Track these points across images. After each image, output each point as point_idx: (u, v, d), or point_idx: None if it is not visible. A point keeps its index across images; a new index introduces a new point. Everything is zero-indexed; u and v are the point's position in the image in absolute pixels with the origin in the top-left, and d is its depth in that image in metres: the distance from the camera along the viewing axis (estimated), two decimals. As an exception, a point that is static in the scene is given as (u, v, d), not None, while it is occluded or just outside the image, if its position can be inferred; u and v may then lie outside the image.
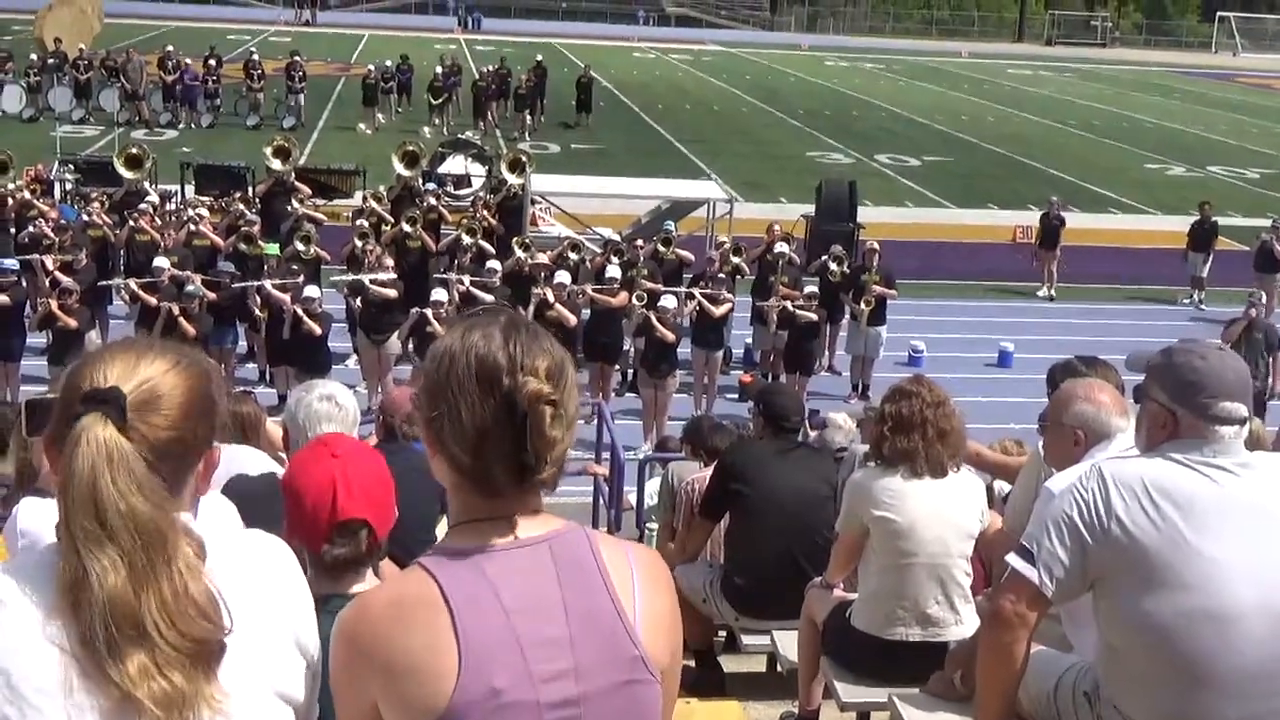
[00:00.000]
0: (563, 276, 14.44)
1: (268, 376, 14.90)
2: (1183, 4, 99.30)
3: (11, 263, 14.18)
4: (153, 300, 13.50)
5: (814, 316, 15.19)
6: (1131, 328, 18.50)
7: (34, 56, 33.33)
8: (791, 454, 6.03)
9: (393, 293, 14.29)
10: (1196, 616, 2.95)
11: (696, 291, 14.97)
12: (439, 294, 13.94)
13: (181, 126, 32.26)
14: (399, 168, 19.13)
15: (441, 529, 4.72)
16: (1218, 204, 23.42)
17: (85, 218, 16.50)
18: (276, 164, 18.62)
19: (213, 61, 34.00)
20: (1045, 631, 3.36)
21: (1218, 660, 2.95)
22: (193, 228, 16.03)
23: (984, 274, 22.16)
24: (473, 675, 1.82)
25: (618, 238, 17.43)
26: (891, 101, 47.65)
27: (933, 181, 31.45)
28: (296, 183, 18.66)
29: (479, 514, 1.94)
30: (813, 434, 8.57)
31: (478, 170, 23.62)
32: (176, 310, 13.17)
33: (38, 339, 14.20)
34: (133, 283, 14.08)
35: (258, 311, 14.31)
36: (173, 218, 17.64)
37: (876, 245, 16.58)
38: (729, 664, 6.41)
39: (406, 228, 16.32)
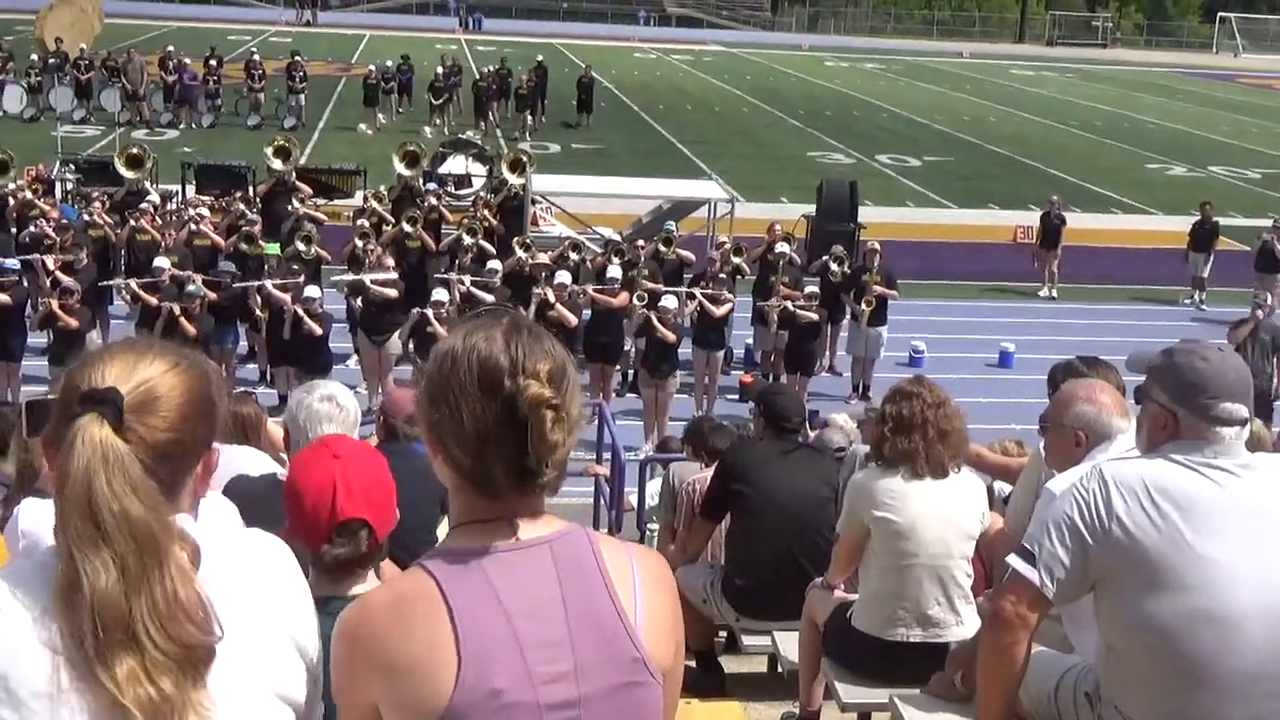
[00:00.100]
0: (563, 277, 14.44)
1: (268, 377, 14.90)
2: (1184, 5, 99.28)
3: (13, 262, 14.18)
4: (153, 300, 13.49)
5: (815, 317, 15.18)
6: (1132, 328, 18.49)
7: (35, 57, 33.34)
8: (792, 455, 6.03)
9: (393, 293, 14.28)
10: (1197, 618, 2.94)
11: (697, 292, 14.96)
12: (440, 294, 13.94)
13: (182, 126, 32.27)
14: (400, 168, 19.13)
15: (442, 530, 4.72)
16: (1219, 204, 23.41)
17: (86, 217, 16.50)
18: (277, 164, 18.63)
19: (213, 62, 34.01)
20: (1046, 632, 3.36)
21: (1219, 661, 2.95)
22: (193, 227, 16.03)
23: (985, 274, 22.15)
24: (473, 676, 1.82)
25: (618, 238, 17.43)
26: (892, 102, 47.65)
27: (934, 182, 31.45)
28: (297, 183, 18.68)
29: (480, 515, 1.94)
30: (812, 434, 8.56)
31: (478, 170, 23.62)
32: (177, 310, 13.17)
33: (39, 339, 14.20)
34: (133, 283, 14.08)
35: (258, 312, 14.31)
36: (173, 217, 17.65)
37: (877, 245, 16.58)
38: (730, 665, 6.41)
39: (406, 228, 16.32)
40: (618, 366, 15.13)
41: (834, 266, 16.19)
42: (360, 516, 2.86)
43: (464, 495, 1.95)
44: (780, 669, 5.91)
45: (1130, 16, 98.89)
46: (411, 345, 14.04)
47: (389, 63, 36.15)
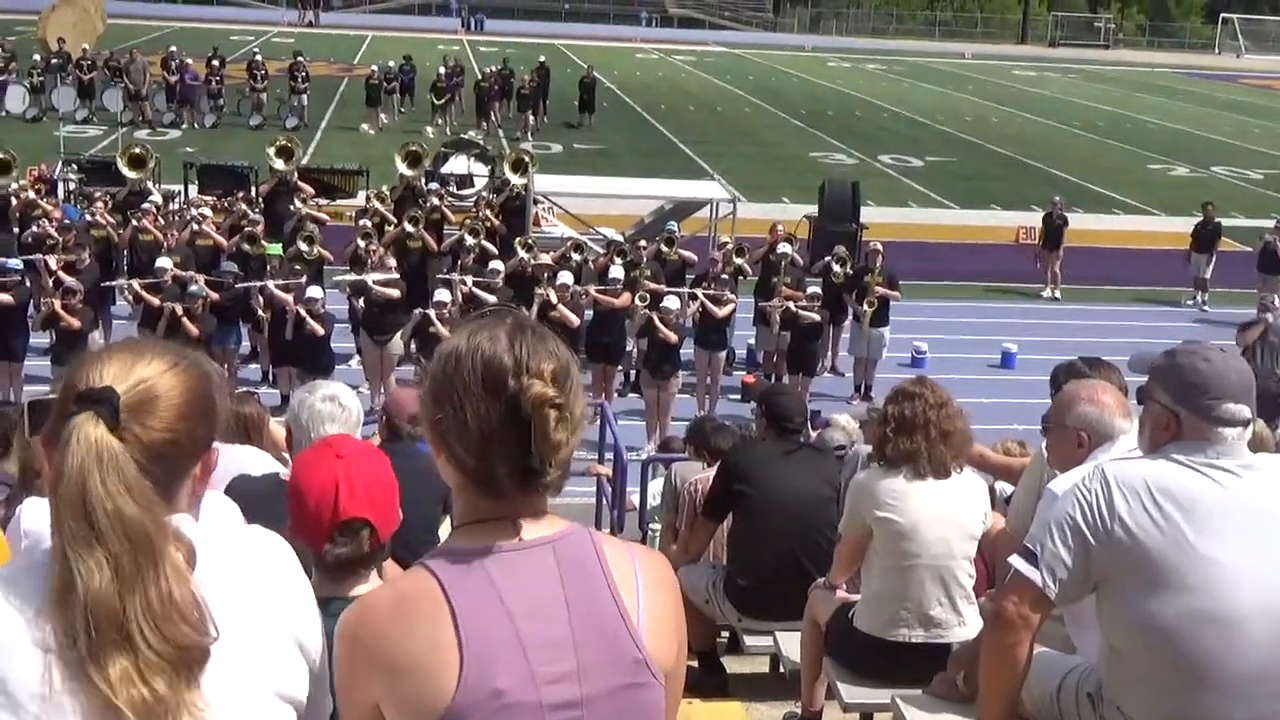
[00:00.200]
0: (566, 277, 14.44)
1: (270, 377, 14.90)
2: (1186, 6, 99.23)
3: (15, 262, 14.20)
4: (156, 301, 13.49)
5: (817, 317, 15.18)
6: (1135, 329, 18.50)
7: (37, 57, 33.35)
8: (794, 455, 6.03)
9: (395, 293, 14.29)
10: (1200, 618, 2.94)
11: (699, 292, 14.96)
12: (442, 294, 13.94)
13: (184, 127, 32.29)
14: (402, 168, 19.14)
15: (445, 530, 4.72)
16: (1221, 205, 23.39)
17: (89, 218, 16.50)
18: (279, 164, 18.64)
19: (216, 62, 34.02)
20: (1048, 633, 3.36)
21: (1221, 662, 2.95)
22: (196, 228, 16.03)
23: (987, 275, 22.15)
24: (475, 676, 1.82)
25: (621, 238, 17.43)
26: (895, 102, 47.64)
27: (936, 182, 31.45)
28: (299, 183, 18.68)
29: (483, 515, 1.94)
30: (814, 435, 8.56)
31: (480, 170, 23.61)
32: (180, 310, 13.17)
33: (41, 339, 14.21)
34: (136, 283, 14.07)
35: (261, 312, 14.31)
36: (176, 218, 17.65)
37: (879, 246, 16.57)
38: (732, 665, 6.41)
39: (408, 228, 16.33)
40: (620, 367, 15.13)
41: (836, 267, 16.19)
42: (362, 516, 2.86)
43: (467, 495, 1.95)
44: (782, 669, 5.91)
45: (1132, 17, 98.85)
46: (414, 345, 14.05)
47: (391, 63, 36.16)
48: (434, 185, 19.83)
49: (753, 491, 5.86)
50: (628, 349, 15.16)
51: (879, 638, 4.82)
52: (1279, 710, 3.00)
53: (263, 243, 15.83)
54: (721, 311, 14.73)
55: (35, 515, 3.48)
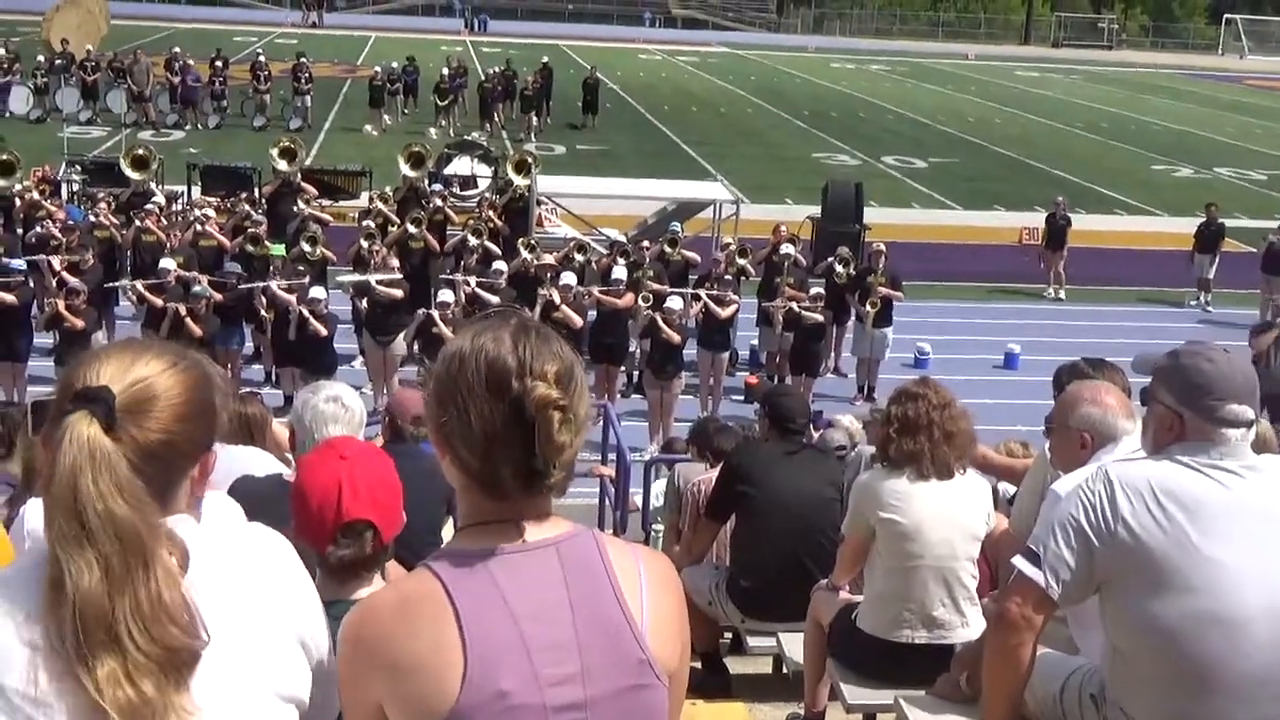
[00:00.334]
0: (569, 278, 14.44)
1: (273, 378, 14.91)
2: (1189, 6, 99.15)
3: (19, 263, 14.21)
4: (159, 301, 13.49)
5: (820, 318, 15.18)
6: (1138, 329, 18.49)
7: (41, 58, 33.39)
8: (797, 456, 6.03)
9: (398, 293, 14.29)
10: (1203, 620, 2.94)
11: (703, 293, 14.96)
12: (445, 295, 13.95)
13: (188, 128, 32.31)
14: (405, 169, 19.15)
15: (448, 532, 4.72)
16: (1224, 205, 23.35)
17: (92, 218, 16.51)
18: (282, 165, 18.65)
19: (219, 63, 34.06)
20: (1051, 634, 3.36)
21: (1225, 664, 2.95)
22: (199, 228, 16.03)
23: (990, 276, 22.13)
24: (479, 677, 1.82)
25: (624, 239, 17.43)
26: (898, 103, 47.63)
27: (939, 183, 31.44)
28: (302, 184, 18.68)
29: (487, 517, 1.94)
30: (815, 434, 8.56)
31: (484, 171, 23.63)
32: (183, 311, 13.18)
33: (44, 339, 14.22)
34: (139, 284, 14.07)
35: (264, 312, 14.32)
36: (179, 218, 17.65)
37: (882, 247, 16.55)
38: (735, 666, 6.41)
39: (410, 228, 16.33)
40: (623, 368, 15.13)
41: (839, 268, 16.18)
42: (365, 518, 2.86)
43: (471, 496, 1.95)
44: (785, 670, 5.91)
45: (1136, 18, 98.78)
46: (417, 346, 14.05)
47: (394, 64, 36.22)
48: (437, 186, 19.84)
49: (755, 492, 5.86)
50: (631, 350, 15.16)
51: (882, 638, 4.82)
52: (1283, 712, 3.00)
53: (266, 243, 15.82)
54: (724, 312, 14.72)
55: (38, 516, 3.48)
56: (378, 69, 35.47)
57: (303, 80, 33.23)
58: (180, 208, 19.07)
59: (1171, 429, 3.10)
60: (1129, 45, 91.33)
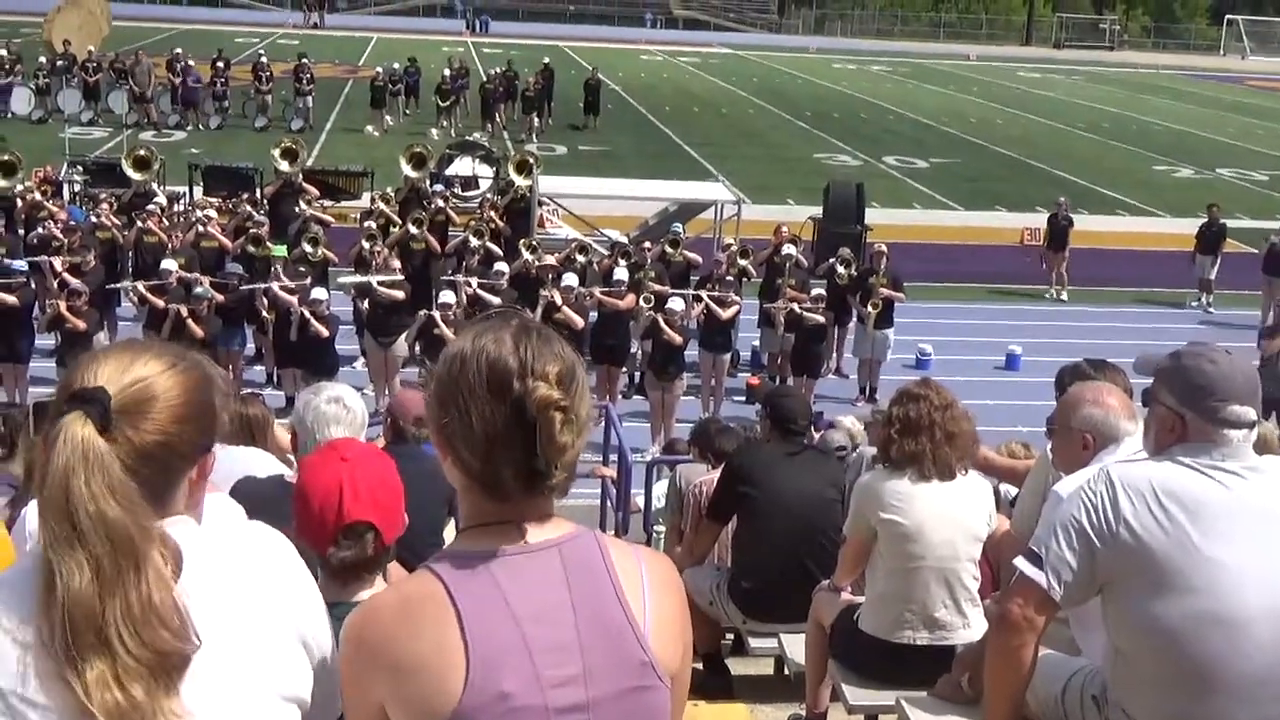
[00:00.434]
0: (570, 279, 14.44)
1: (275, 379, 14.91)
2: (1191, 7, 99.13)
3: (20, 264, 14.21)
4: (160, 302, 13.50)
5: (821, 319, 15.18)
6: (1139, 330, 18.49)
7: (43, 59, 33.42)
8: (798, 457, 6.03)
9: (400, 294, 14.29)
10: (1205, 620, 2.94)
11: (704, 294, 14.96)
12: (447, 296, 13.95)
13: (189, 128, 32.33)
14: (406, 169, 19.16)
15: (450, 533, 4.72)
16: (1226, 206, 23.33)
17: (94, 219, 16.52)
18: (284, 166, 18.65)
19: (221, 64, 34.07)
20: (1053, 635, 3.36)
21: (1226, 665, 2.95)
22: (200, 229, 16.03)
23: (992, 276, 22.13)
24: (481, 679, 1.82)
25: (625, 240, 17.43)
26: (899, 104, 47.63)
27: (940, 184, 31.43)
28: (304, 184, 18.67)
29: (488, 518, 1.94)
30: (816, 435, 8.56)
31: (485, 172, 23.63)
32: (184, 312, 13.18)
33: (46, 340, 14.22)
34: (141, 284, 14.08)
35: (265, 313, 14.32)
36: (181, 219, 17.66)
37: (884, 247, 16.55)
38: (736, 667, 6.41)
39: (411, 229, 16.34)
40: (624, 368, 15.13)
41: (840, 269, 16.18)
42: (366, 520, 2.86)
43: (473, 497, 1.95)
44: (787, 671, 5.91)
45: (1137, 19, 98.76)
46: (418, 347, 14.05)
47: (396, 65, 36.23)
48: (439, 187, 19.85)
49: (757, 493, 5.86)
50: (632, 351, 15.16)
51: (884, 639, 4.81)
52: (1285, 713, 2.99)
53: (267, 244, 15.83)
54: (726, 313, 14.72)
55: (40, 517, 3.48)
56: (379, 70, 35.45)
57: (304, 81, 33.24)
58: (182, 209, 19.08)
59: (1173, 430, 3.10)
60: (1130, 46, 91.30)
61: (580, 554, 1.94)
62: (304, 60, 33.91)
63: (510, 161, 20.66)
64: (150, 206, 16.89)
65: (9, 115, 31.70)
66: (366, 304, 14.49)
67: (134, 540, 1.68)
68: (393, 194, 18.84)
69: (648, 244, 16.99)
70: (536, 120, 35.08)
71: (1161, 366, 3.17)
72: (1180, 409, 3.08)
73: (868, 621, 4.88)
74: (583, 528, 1.98)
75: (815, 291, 15.64)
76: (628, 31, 76.39)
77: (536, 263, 15.29)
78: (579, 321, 13.89)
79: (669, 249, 16.45)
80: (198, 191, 21.05)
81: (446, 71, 34.82)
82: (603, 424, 10.94)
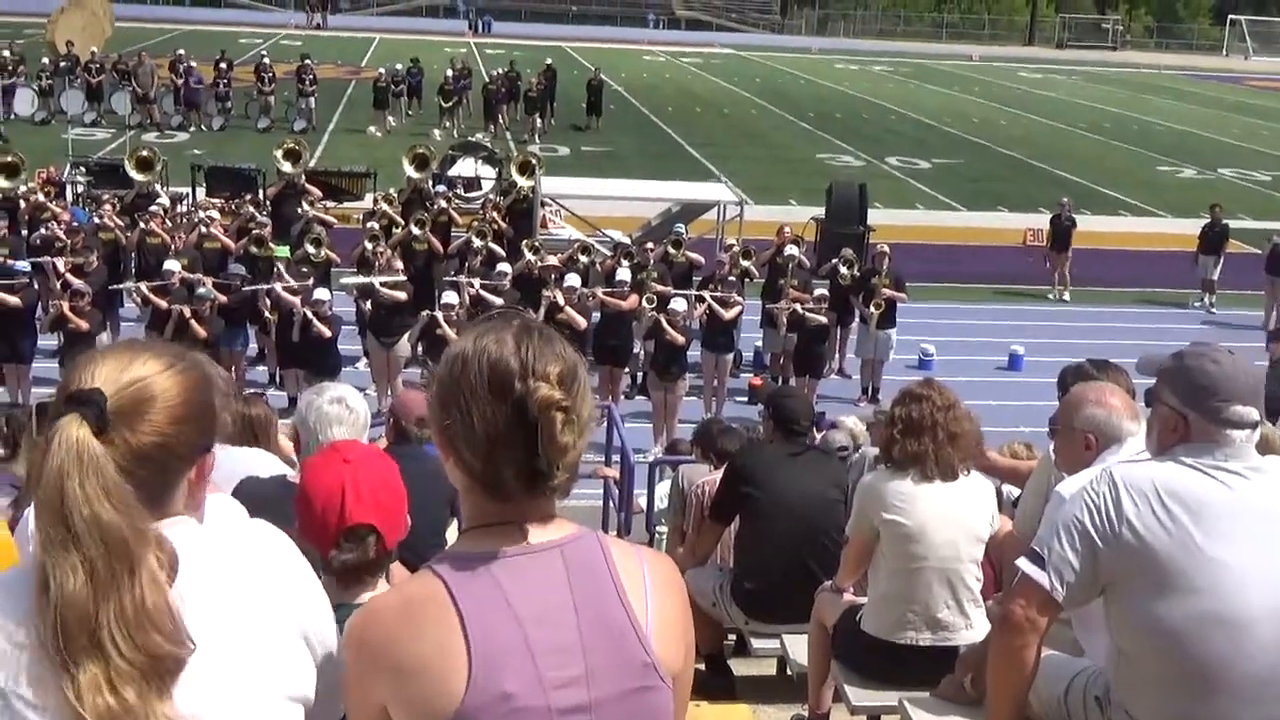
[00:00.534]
0: (573, 279, 14.45)
1: (277, 379, 14.91)
2: (1194, 7, 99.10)
3: (23, 265, 14.22)
4: (163, 303, 13.51)
5: (824, 319, 15.17)
6: (1142, 331, 18.48)
7: (46, 60, 33.45)
8: (801, 457, 6.03)
9: (402, 295, 14.29)
10: (1208, 621, 2.94)
11: (706, 294, 14.96)
12: (449, 297, 13.95)
13: (192, 129, 32.34)
14: (409, 170, 19.17)
15: (452, 533, 4.73)
16: (1229, 207, 23.32)
17: (97, 220, 16.53)
18: (287, 166, 18.67)
19: (223, 65, 34.09)
20: (1056, 635, 3.36)
21: (1229, 665, 2.94)
22: (203, 230, 16.03)
23: (994, 277, 22.12)
24: (483, 680, 1.82)
25: (628, 240, 17.43)
26: (901, 104, 47.62)
27: (943, 184, 31.42)
28: (307, 185, 18.69)
29: (490, 519, 1.94)
30: (818, 436, 8.56)
31: (488, 173, 23.64)
32: (187, 313, 13.19)
33: (49, 341, 14.22)
34: (144, 285, 14.09)
35: (268, 314, 14.32)
36: (183, 220, 17.66)
37: (886, 248, 16.55)
38: (739, 668, 6.41)
39: (414, 230, 16.34)
40: (627, 369, 15.13)
41: (843, 269, 16.18)
42: (368, 522, 2.86)
43: (475, 498, 1.95)
44: (789, 672, 5.90)
45: (1140, 19, 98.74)
46: (421, 348, 14.05)
47: (399, 66, 36.21)
48: (441, 188, 19.86)
49: (759, 494, 5.85)
50: (635, 351, 15.16)
51: (886, 640, 4.81)
52: (1288, 713, 2.99)
53: (270, 245, 15.84)
54: (728, 314, 14.72)
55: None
56: (382, 70, 35.44)
57: (307, 82, 33.26)
58: (185, 209, 19.10)
59: (1176, 430, 3.10)
60: (1133, 46, 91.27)
61: (582, 555, 1.93)
62: (307, 61, 33.93)
63: (513, 162, 20.67)
64: (153, 207, 16.90)
65: (12, 116, 31.73)
66: (369, 305, 14.49)
67: (128, 543, 1.67)
68: (395, 195, 18.85)
69: (650, 245, 16.98)
70: (539, 121, 35.09)
71: (1164, 367, 3.17)
72: (1183, 409, 3.08)
73: (870, 622, 4.88)
74: (584, 528, 1.98)
75: (818, 292, 15.62)
76: (630, 32, 76.44)
77: (539, 263, 15.29)
78: (582, 322, 13.89)
79: (671, 250, 16.45)
80: (200, 192, 21.06)
81: (449, 72, 34.82)
82: (605, 424, 10.94)
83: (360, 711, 1.92)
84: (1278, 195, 32.37)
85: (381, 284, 14.31)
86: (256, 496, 3.53)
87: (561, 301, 13.88)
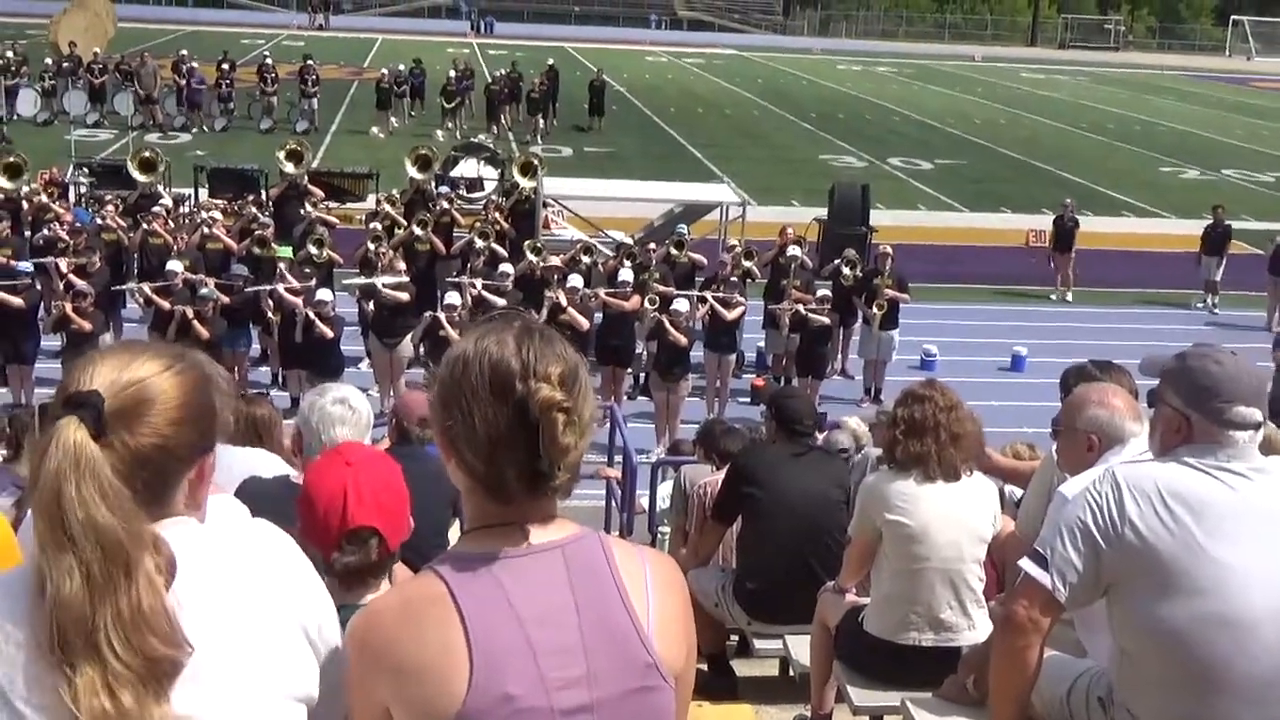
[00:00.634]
0: (575, 280, 14.45)
1: (280, 380, 14.92)
2: (1196, 7, 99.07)
3: (26, 265, 14.22)
4: (166, 304, 13.51)
5: (826, 320, 15.18)
6: (1145, 332, 18.47)
7: (49, 61, 33.49)
8: (803, 458, 6.02)
9: (405, 296, 14.29)
10: (1210, 622, 2.94)
11: (709, 295, 14.96)
12: (452, 297, 13.96)
13: (195, 130, 32.36)
14: (412, 171, 19.19)
15: (455, 534, 4.72)
16: (1231, 207, 23.30)
17: (99, 221, 16.54)
18: (289, 167, 18.69)
19: (226, 65, 34.11)
20: (1059, 636, 3.36)
21: (1232, 666, 2.94)
22: (206, 231, 16.04)
23: (997, 278, 22.11)
24: (485, 681, 1.82)
25: (630, 241, 17.44)
26: (904, 105, 47.61)
27: (945, 185, 31.41)
28: (309, 186, 18.71)
29: (492, 520, 1.94)
30: (819, 436, 8.55)
31: (490, 173, 23.65)
32: (190, 314, 13.20)
33: (52, 342, 14.23)
34: (146, 286, 14.10)
35: (270, 315, 14.33)
36: (186, 221, 17.69)
37: (889, 249, 16.56)
38: (741, 668, 6.41)
39: (417, 231, 16.35)
40: (629, 369, 15.13)
41: (846, 270, 16.18)
42: (370, 524, 2.85)
43: (476, 499, 1.95)
44: (792, 672, 5.90)
45: (1143, 19, 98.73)
46: (423, 349, 14.06)
47: (401, 66, 36.22)
48: (444, 189, 19.87)
49: (761, 494, 5.85)
50: (637, 352, 15.16)
51: (889, 641, 4.81)
52: (1291, 714, 2.99)
53: (273, 246, 15.85)
54: (731, 314, 14.72)
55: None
56: (384, 71, 35.46)
57: (309, 83, 33.29)
58: (187, 210, 19.12)
59: (1179, 431, 3.09)
60: (1135, 46, 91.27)
61: (584, 555, 1.93)
62: (309, 62, 33.94)
63: (515, 163, 20.70)
64: (156, 208, 16.92)
65: (15, 117, 31.75)
66: (371, 305, 14.50)
67: (124, 546, 1.66)
68: (398, 195, 18.87)
69: (653, 245, 16.99)
70: (541, 122, 35.11)
71: (1167, 368, 3.17)
72: (1186, 410, 3.07)
73: (873, 623, 4.88)
74: (586, 529, 1.98)
75: (820, 293, 15.63)
76: (632, 32, 76.47)
77: (541, 264, 15.31)
78: (584, 323, 13.89)
79: (674, 250, 16.45)
80: (203, 193, 21.08)
81: (451, 73, 34.86)
82: (608, 425, 10.94)
83: (362, 712, 1.92)
84: (1280, 196, 32.37)
85: (384, 285, 14.31)
86: (259, 496, 3.53)
87: (564, 302, 13.88)
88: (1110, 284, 21.96)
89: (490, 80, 35.77)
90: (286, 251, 15.84)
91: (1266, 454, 3.11)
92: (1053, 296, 21.32)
